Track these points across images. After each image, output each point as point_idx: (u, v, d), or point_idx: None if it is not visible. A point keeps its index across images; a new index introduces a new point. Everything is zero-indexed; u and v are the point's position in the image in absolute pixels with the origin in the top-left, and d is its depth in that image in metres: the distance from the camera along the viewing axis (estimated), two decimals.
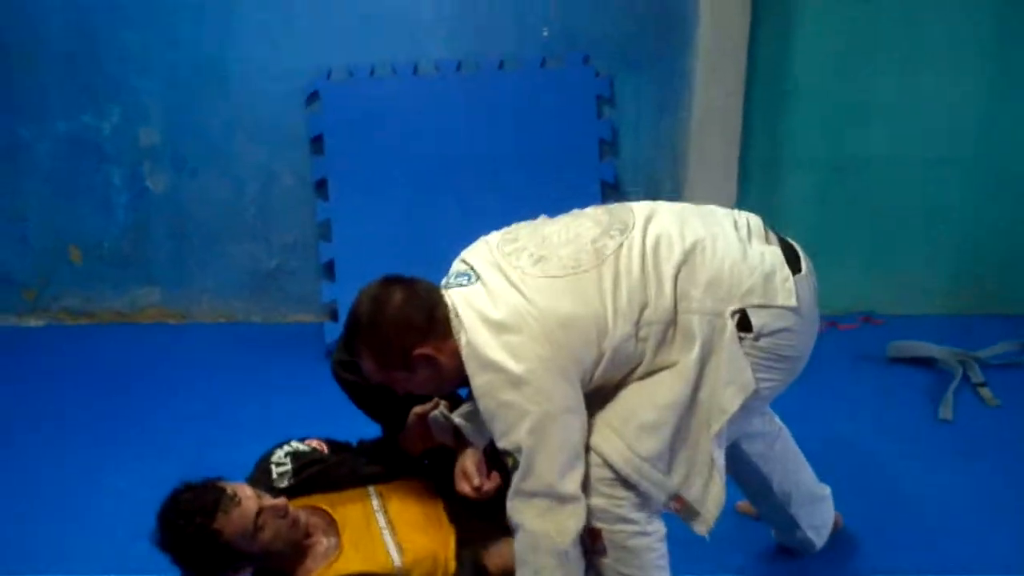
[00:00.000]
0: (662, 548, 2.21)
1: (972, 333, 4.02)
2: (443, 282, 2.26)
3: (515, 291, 2.12)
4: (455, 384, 2.26)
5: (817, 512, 2.71)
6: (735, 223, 2.26)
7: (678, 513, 2.19)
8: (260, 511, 2.34)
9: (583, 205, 2.43)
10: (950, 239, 4.28)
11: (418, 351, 2.15)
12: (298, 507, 2.51)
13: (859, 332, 4.22)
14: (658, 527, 2.20)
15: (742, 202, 4.10)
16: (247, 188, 4.18)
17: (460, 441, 2.55)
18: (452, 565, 2.50)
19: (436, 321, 2.15)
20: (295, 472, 2.60)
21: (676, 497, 2.16)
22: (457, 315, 2.14)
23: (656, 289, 2.12)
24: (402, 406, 2.49)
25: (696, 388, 2.13)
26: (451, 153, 3.94)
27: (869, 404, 3.65)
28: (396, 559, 2.46)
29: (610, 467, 2.12)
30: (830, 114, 4.13)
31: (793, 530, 2.70)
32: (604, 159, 3.99)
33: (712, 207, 2.34)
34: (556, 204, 2.45)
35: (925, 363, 3.90)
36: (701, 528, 2.18)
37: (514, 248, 2.22)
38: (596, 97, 3.95)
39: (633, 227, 2.19)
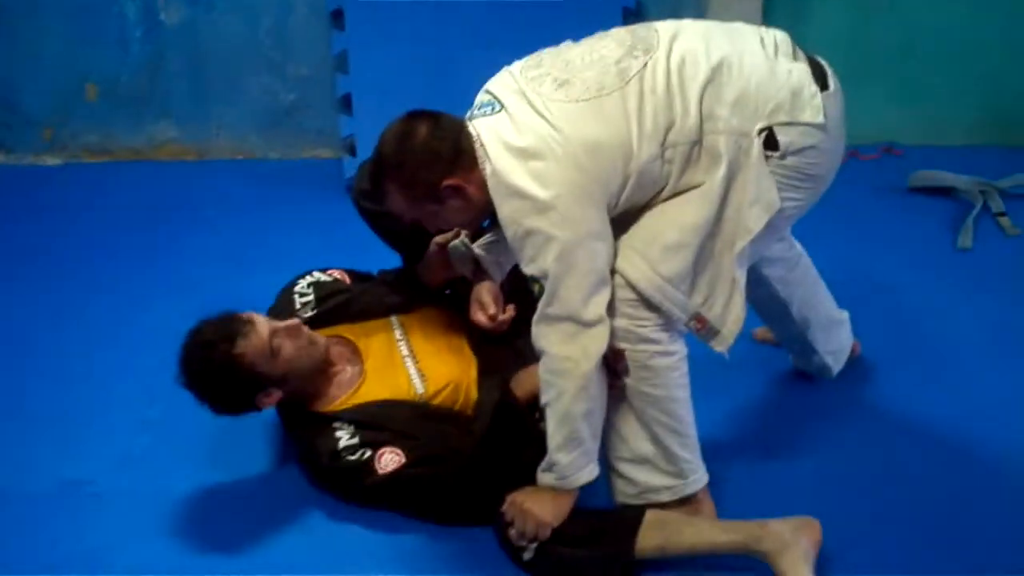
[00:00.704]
0: (684, 368, 2.25)
1: (993, 164, 3.99)
2: (468, 114, 2.23)
3: (539, 117, 2.10)
4: (485, 215, 2.26)
5: (834, 337, 2.75)
6: (762, 40, 2.22)
7: (698, 333, 2.22)
8: (274, 332, 2.39)
9: (605, 30, 2.39)
10: (977, 71, 4.21)
11: (446, 182, 2.14)
12: (321, 334, 2.56)
13: (880, 162, 4.19)
14: (680, 347, 2.24)
15: (767, 24, 4.02)
16: (262, 20, 4.11)
17: (478, 272, 2.57)
18: (474, 392, 2.55)
19: (462, 152, 2.14)
20: (318, 302, 2.64)
21: (697, 317, 2.18)
22: (482, 144, 2.13)
23: (682, 108, 2.09)
24: (423, 235, 2.50)
25: (721, 208, 2.13)
26: None
27: (888, 233, 3.65)
28: (419, 387, 2.52)
29: (633, 288, 2.14)
30: None
31: (810, 355, 2.73)
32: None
33: (739, 24, 2.30)
34: (577, 30, 2.40)
35: (945, 193, 3.88)
36: (720, 347, 2.22)
37: (537, 74, 2.18)
38: None
39: (657, 46, 2.15)
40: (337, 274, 2.73)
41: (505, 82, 2.22)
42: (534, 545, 2.23)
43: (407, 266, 2.71)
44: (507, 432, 2.35)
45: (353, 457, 2.37)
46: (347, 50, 3.94)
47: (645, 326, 2.17)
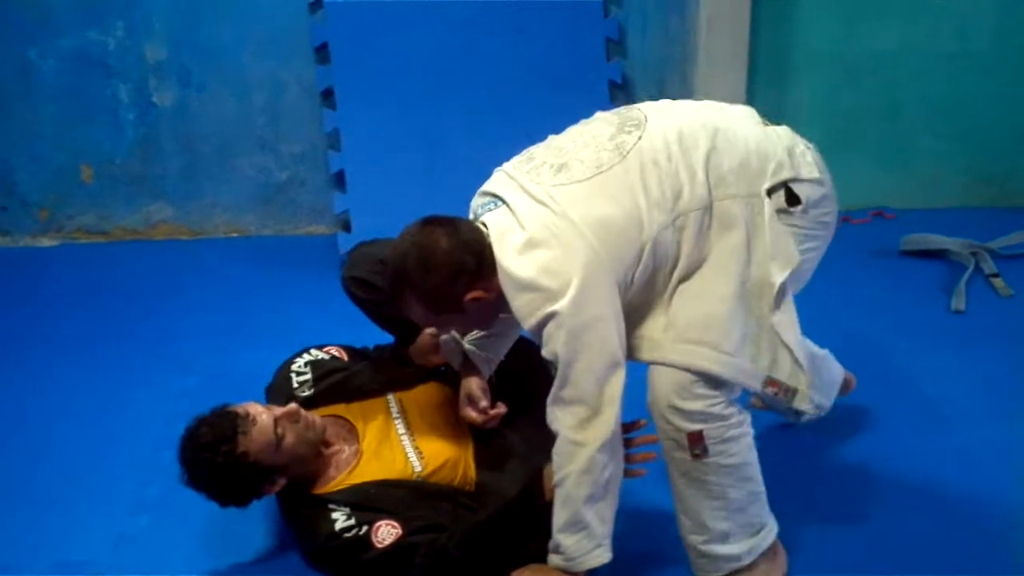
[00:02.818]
0: (752, 432, 2.25)
1: (984, 225, 4.03)
2: (471, 217, 2.24)
3: (541, 206, 2.11)
4: (499, 314, 2.27)
5: (824, 371, 2.70)
6: (739, 111, 2.29)
7: (775, 398, 2.23)
8: (276, 421, 2.37)
9: (591, 105, 2.44)
10: (963, 133, 4.27)
11: (470, 296, 2.14)
12: (318, 415, 2.55)
13: (871, 226, 4.23)
14: (746, 415, 2.23)
15: (752, 100, 4.07)
16: (254, 100, 4.16)
17: (466, 366, 2.57)
18: (472, 470, 2.55)
19: (484, 261, 2.13)
20: (315, 381, 2.63)
21: (770, 381, 2.19)
22: (489, 245, 2.13)
23: (688, 176, 2.12)
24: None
25: (747, 270, 2.15)
26: (456, 56, 3.90)
27: (882, 296, 3.67)
28: (416, 465, 2.50)
29: (704, 375, 2.12)
30: (841, 8, 4.08)
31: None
32: (611, 59, 3.96)
33: (709, 101, 2.36)
34: (564, 104, 2.45)
35: (938, 255, 3.91)
36: (804, 404, 2.23)
37: (532, 166, 2.20)
38: None
39: (647, 121, 2.19)
40: (335, 351, 2.73)
41: (500, 180, 2.23)
42: None
43: (399, 347, 2.71)
44: (520, 519, 2.33)
45: (350, 535, 2.35)
46: (339, 128, 3.98)
47: (717, 404, 2.15)
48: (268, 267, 4.11)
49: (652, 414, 2.21)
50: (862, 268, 3.88)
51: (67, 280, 4.08)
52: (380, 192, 3.95)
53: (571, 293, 2.03)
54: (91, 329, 3.69)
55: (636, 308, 2.17)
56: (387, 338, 2.77)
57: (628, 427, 2.24)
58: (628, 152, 2.14)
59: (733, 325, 2.14)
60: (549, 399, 2.14)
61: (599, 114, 2.31)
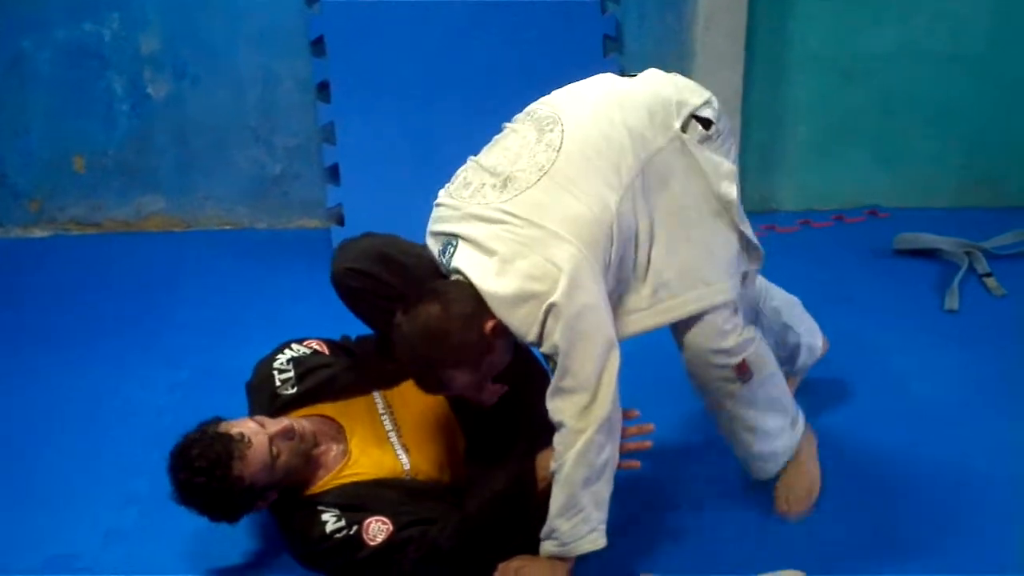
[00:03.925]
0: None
1: (978, 225, 4.02)
2: (443, 270, 2.25)
3: (500, 224, 2.14)
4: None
5: (804, 316, 2.84)
6: (616, 78, 2.45)
7: None
8: (271, 440, 2.34)
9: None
10: (958, 134, 4.26)
11: (489, 327, 2.15)
12: (304, 416, 2.53)
13: (865, 225, 4.22)
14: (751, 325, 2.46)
15: (748, 98, 4.08)
16: (248, 93, 4.14)
17: None
18: (461, 468, 2.55)
19: (478, 297, 2.14)
20: (298, 378, 2.60)
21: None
22: (469, 283, 2.15)
23: (618, 148, 2.20)
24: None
25: (701, 203, 2.28)
26: (452, 51, 3.89)
27: (875, 296, 3.67)
28: (404, 462, 2.49)
29: (722, 307, 2.28)
30: (838, 10, 4.08)
31: (794, 345, 2.80)
32: (608, 55, 3.95)
33: (595, 77, 2.46)
34: (561, 81, 2.46)
35: (931, 255, 3.91)
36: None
37: (470, 191, 2.23)
38: None
39: (559, 112, 2.26)
40: (316, 345, 2.71)
41: (446, 215, 2.26)
42: None
43: (384, 343, 2.68)
44: (511, 509, 2.34)
45: (340, 535, 2.35)
46: (333, 121, 3.97)
47: (742, 329, 2.35)
48: (261, 260, 4.09)
49: (694, 369, 2.36)
50: (856, 267, 3.88)
51: (58, 272, 4.07)
52: (374, 186, 3.94)
53: (562, 285, 2.06)
54: (82, 321, 3.68)
55: (617, 287, 2.22)
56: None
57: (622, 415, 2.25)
58: (560, 146, 2.19)
59: (716, 253, 2.29)
60: (549, 392, 2.16)
61: (507, 125, 2.35)
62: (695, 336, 2.29)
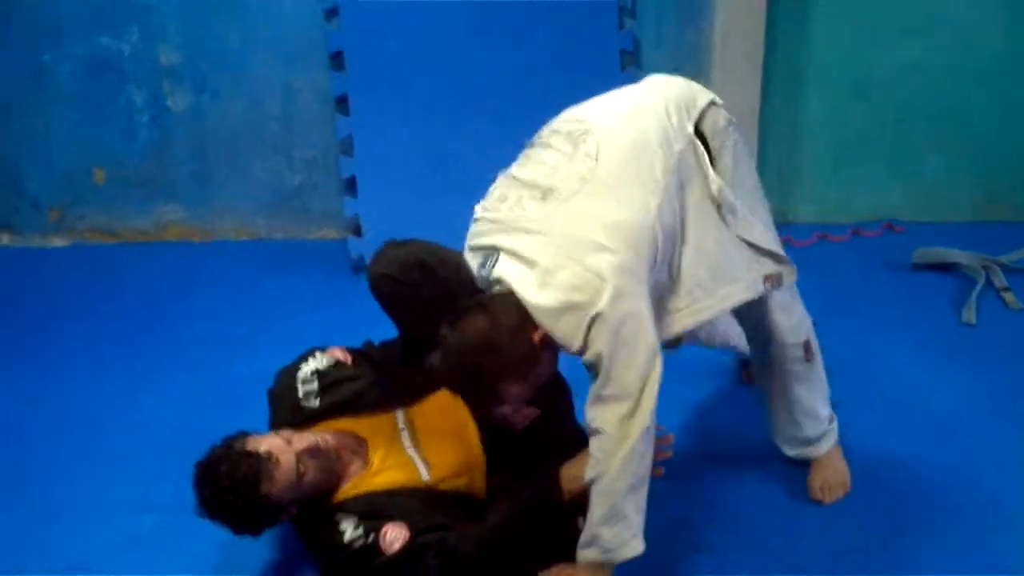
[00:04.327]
0: None
1: (995, 239, 4.01)
2: (481, 283, 2.25)
3: (541, 235, 2.14)
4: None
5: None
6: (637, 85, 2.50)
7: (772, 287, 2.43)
8: (298, 458, 2.35)
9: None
10: (974, 147, 4.25)
11: (537, 337, 2.14)
12: (327, 430, 2.54)
13: (882, 239, 4.21)
14: None
15: (765, 113, 4.09)
16: (267, 105, 4.17)
17: None
18: (481, 479, 2.54)
19: (522, 307, 2.14)
20: (322, 391, 2.60)
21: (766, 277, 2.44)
22: (513, 294, 2.15)
23: (651, 153, 2.22)
24: (434, 322, 2.47)
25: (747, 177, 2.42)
26: (470, 65, 3.90)
27: (892, 310, 3.66)
28: (424, 473, 2.50)
29: (776, 278, 2.40)
30: (854, 25, 4.08)
31: None
32: (626, 70, 3.96)
33: (615, 91, 2.49)
34: (577, 92, 2.47)
35: (948, 269, 3.90)
36: (794, 277, 2.48)
37: (510, 203, 2.23)
38: (618, 8, 3.91)
39: (591, 124, 2.27)
40: (339, 354, 2.69)
41: (485, 230, 2.25)
42: None
43: (409, 356, 2.69)
44: (536, 520, 2.34)
45: (358, 544, 2.34)
46: (352, 134, 3.99)
47: (799, 308, 2.56)
48: (279, 271, 4.11)
49: (772, 348, 2.55)
50: (873, 281, 3.88)
51: (77, 281, 4.10)
52: (391, 197, 3.95)
53: (607, 294, 2.07)
54: (100, 330, 3.70)
55: (656, 288, 2.22)
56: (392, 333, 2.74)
57: None
58: (597, 155, 2.20)
59: (736, 252, 2.34)
60: (589, 400, 2.16)
61: (536, 141, 2.34)
62: (774, 317, 2.49)
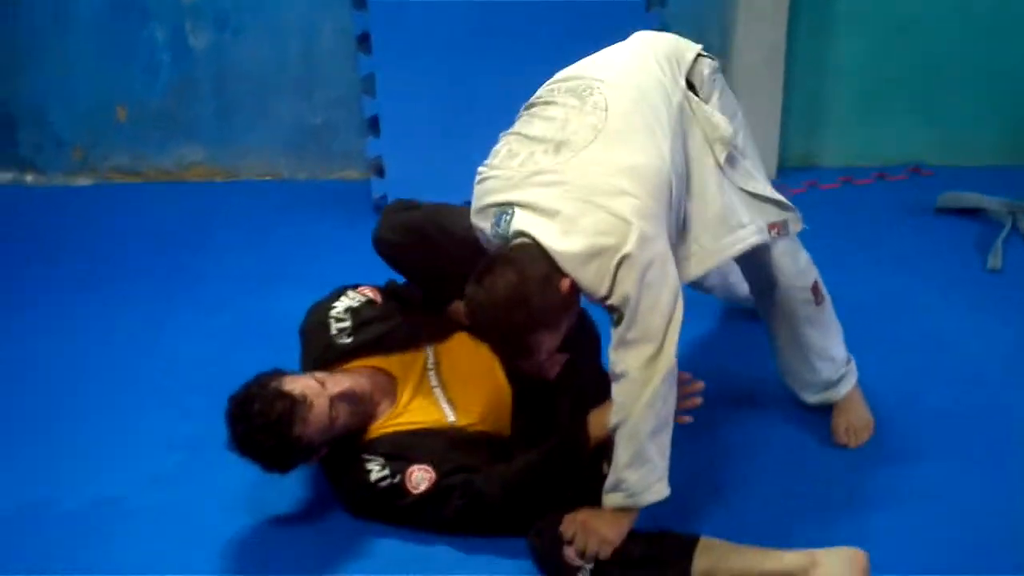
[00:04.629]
0: None
1: (1022, 184, 3.98)
2: (496, 237, 2.23)
3: (560, 186, 2.14)
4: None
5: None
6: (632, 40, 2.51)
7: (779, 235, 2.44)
8: (331, 403, 2.36)
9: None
10: (1002, 91, 4.20)
11: (565, 286, 2.13)
12: (358, 367, 2.56)
13: (907, 183, 4.18)
14: None
15: (792, 54, 4.04)
16: (289, 44, 4.15)
17: None
18: (507, 420, 2.56)
19: (548, 256, 2.13)
20: (354, 329, 2.61)
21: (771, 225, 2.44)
22: (538, 244, 2.13)
23: (654, 101, 2.25)
24: (448, 279, 2.49)
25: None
26: (494, 4, 3.87)
27: (917, 254, 3.64)
28: (449, 415, 2.52)
29: (782, 225, 2.40)
30: None
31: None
32: (651, 9, 3.92)
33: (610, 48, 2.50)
34: (602, 42, 2.46)
35: (974, 214, 3.87)
36: (799, 225, 2.46)
37: (522, 159, 2.22)
38: None
39: (594, 78, 2.29)
40: (369, 292, 2.71)
41: (497, 187, 2.23)
42: (590, 567, 2.23)
43: (430, 300, 2.72)
44: (562, 465, 2.36)
45: (384, 484, 2.38)
46: (374, 73, 3.97)
47: (804, 252, 2.56)
48: (300, 211, 4.11)
49: (778, 293, 2.55)
50: (898, 225, 3.85)
51: (100, 220, 4.11)
52: (413, 138, 3.94)
53: (634, 236, 2.06)
54: (123, 269, 3.72)
55: (672, 234, 2.22)
56: None
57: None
58: (608, 107, 2.21)
59: (736, 200, 2.34)
60: (613, 344, 2.15)
61: (537, 101, 2.34)
62: (780, 263, 2.51)
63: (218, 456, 2.57)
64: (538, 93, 2.36)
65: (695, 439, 2.52)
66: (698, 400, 2.32)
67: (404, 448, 2.42)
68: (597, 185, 2.12)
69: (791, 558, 2.24)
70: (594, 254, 2.09)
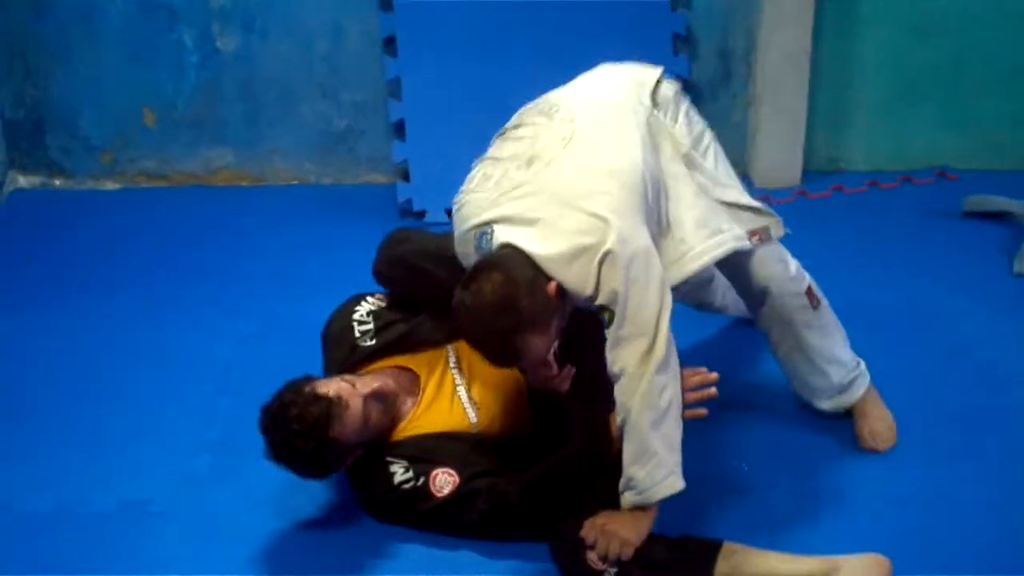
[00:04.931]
0: None
1: None
2: (484, 249, 2.27)
3: (535, 196, 2.20)
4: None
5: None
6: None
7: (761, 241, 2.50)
8: (365, 402, 2.38)
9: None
10: None
11: (552, 288, 2.16)
12: (384, 368, 2.58)
13: (933, 187, 4.16)
14: None
15: (817, 55, 4.03)
16: (316, 46, 4.16)
17: None
18: (526, 420, 2.57)
19: (532, 260, 2.17)
20: (377, 332, 2.64)
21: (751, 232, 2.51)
22: (518, 249, 2.18)
23: (621, 111, 2.35)
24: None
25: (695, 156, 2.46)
26: (519, 7, 3.88)
27: (943, 258, 3.63)
28: (472, 416, 2.53)
29: (765, 232, 2.47)
30: None
31: None
32: (677, 10, 3.93)
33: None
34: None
35: (1000, 217, 3.85)
36: (782, 230, 2.54)
37: (497, 178, 2.28)
38: None
39: (557, 98, 2.40)
40: (383, 301, 2.75)
41: (471, 213, 2.29)
42: (614, 570, 2.24)
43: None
44: (585, 467, 2.37)
45: (408, 486, 2.39)
46: (400, 76, 3.99)
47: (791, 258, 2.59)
48: (327, 215, 4.12)
49: (771, 301, 2.56)
50: (924, 229, 3.84)
51: (128, 223, 4.11)
52: (439, 142, 3.95)
53: (613, 233, 2.11)
54: (151, 273, 3.73)
55: (665, 230, 2.31)
56: None
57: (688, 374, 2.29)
58: (575, 119, 2.29)
59: (710, 208, 2.41)
60: (608, 345, 2.18)
61: (507, 128, 2.44)
62: (770, 271, 2.52)
63: (244, 459, 2.60)
64: (510, 121, 2.45)
65: (711, 442, 2.53)
66: (712, 391, 2.31)
67: (428, 451, 2.44)
68: (572, 189, 2.18)
69: (813, 563, 2.25)
70: (576, 254, 2.13)
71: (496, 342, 2.20)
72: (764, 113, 4.07)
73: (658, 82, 2.46)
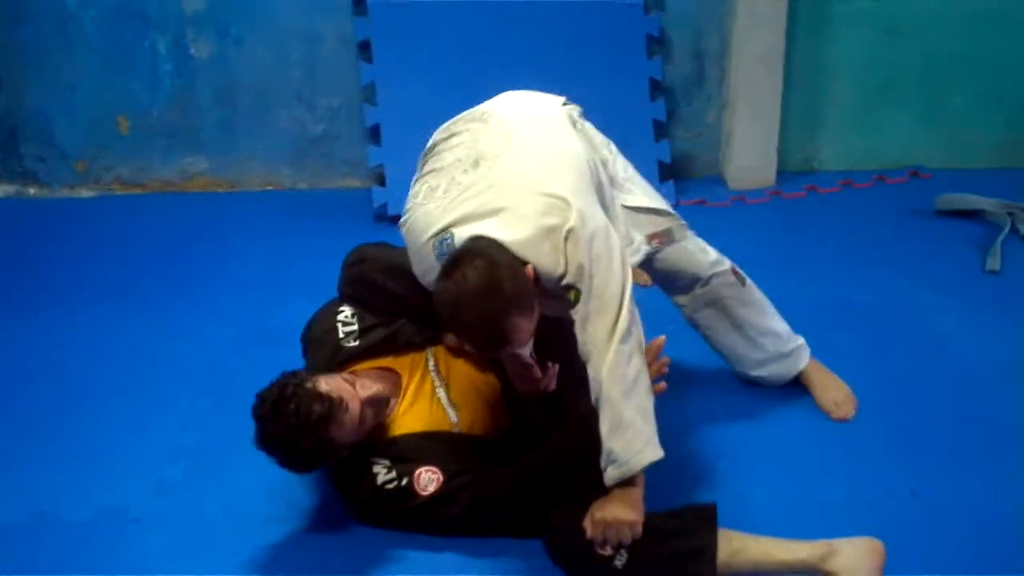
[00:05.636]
0: None
1: (1021, 186, 4.00)
2: (446, 254, 2.27)
3: (490, 190, 2.24)
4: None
5: None
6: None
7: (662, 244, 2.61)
8: (362, 406, 2.37)
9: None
10: (1001, 93, 4.23)
11: (530, 274, 2.18)
12: (367, 369, 2.57)
13: (907, 186, 4.20)
14: None
15: (790, 57, 4.06)
16: (290, 52, 4.16)
17: None
18: (506, 420, 2.58)
19: (508, 250, 2.18)
20: (362, 333, 2.62)
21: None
22: (483, 237, 2.19)
23: (548, 113, 2.45)
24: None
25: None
26: (494, 9, 3.89)
27: (916, 256, 3.66)
28: (453, 417, 2.54)
29: (684, 238, 2.60)
30: None
31: None
32: (650, 12, 3.94)
33: None
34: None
35: (973, 215, 3.89)
36: (686, 232, 2.65)
37: (446, 186, 2.30)
38: None
39: (484, 108, 2.46)
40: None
41: (422, 225, 2.30)
42: (625, 553, 2.24)
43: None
44: (570, 460, 2.38)
45: (391, 486, 2.39)
46: (375, 81, 3.99)
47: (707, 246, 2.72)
48: (303, 220, 4.12)
49: (701, 285, 2.69)
50: (898, 227, 3.87)
51: (104, 232, 4.11)
52: (415, 146, 3.89)
53: (573, 212, 2.17)
54: (127, 280, 3.72)
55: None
56: None
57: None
58: (511, 119, 2.36)
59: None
60: (578, 323, 2.20)
61: (437, 139, 2.48)
62: (694, 259, 2.67)
63: (223, 464, 2.60)
64: (431, 140, 2.48)
65: (700, 434, 2.53)
66: (665, 359, 2.34)
67: (410, 451, 2.44)
68: (526, 176, 2.24)
69: (809, 547, 2.27)
70: (544, 235, 2.17)
71: (485, 327, 2.17)
72: (738, 114, 4.09)
73: (563, 107, 2.52)
